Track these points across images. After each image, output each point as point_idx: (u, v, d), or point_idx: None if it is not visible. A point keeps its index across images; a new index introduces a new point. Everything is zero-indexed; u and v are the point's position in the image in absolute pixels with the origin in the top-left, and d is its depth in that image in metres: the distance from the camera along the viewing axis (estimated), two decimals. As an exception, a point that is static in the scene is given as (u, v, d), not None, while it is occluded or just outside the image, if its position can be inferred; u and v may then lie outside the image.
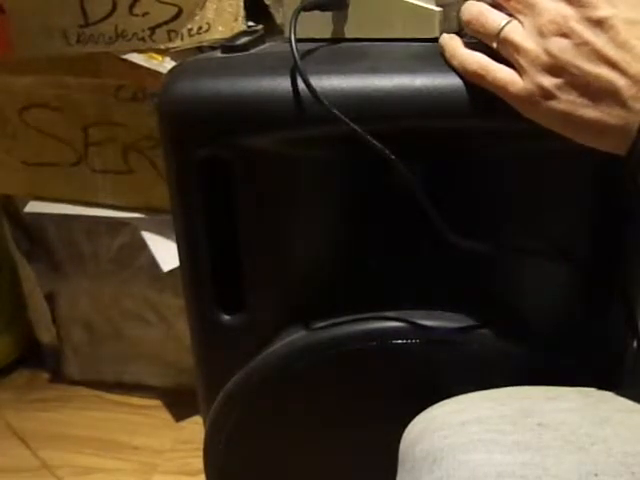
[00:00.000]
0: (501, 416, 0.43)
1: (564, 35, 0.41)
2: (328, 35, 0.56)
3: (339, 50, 0.54)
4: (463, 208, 0.51)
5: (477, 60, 0.46)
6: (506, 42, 0.44)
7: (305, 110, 0.48)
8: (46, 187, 1.04)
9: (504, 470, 0.39)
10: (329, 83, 0.48)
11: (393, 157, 0.46)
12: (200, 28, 0.87)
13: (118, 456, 1.05)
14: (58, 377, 1.21)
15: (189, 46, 0.88)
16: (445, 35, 0.50)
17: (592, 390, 0.47)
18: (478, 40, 0.47)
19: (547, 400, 0.45)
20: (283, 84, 0.49)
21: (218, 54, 0.56)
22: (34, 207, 1.05)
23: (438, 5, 0.52)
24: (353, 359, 0.54)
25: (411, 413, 0.46)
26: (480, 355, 0.53)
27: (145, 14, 0.88)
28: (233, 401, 0.57)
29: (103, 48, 0.90)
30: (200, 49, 0.88)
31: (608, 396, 0.46)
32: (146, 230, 1.00)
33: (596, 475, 0.38)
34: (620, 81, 0.40)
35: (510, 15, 0.44)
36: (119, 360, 1.17)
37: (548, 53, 0.42)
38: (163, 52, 0.90)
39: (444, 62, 0.48)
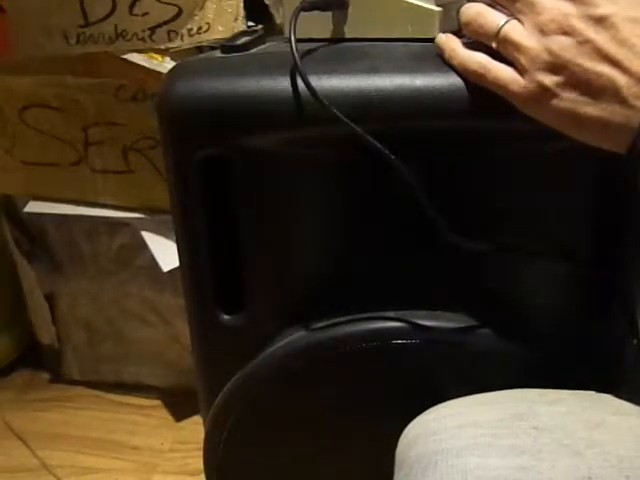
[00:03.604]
0: (497, 420, 0.43)
1: (565, 33, 0.41)
2: (328, 35, 0.56)
3: (339, 50, 0.54)
4: (463, 208, 0.51)
5: (477, 60, 0.46)
6: (506, 41, 0.44)
7: (305, 110, 0.48)
8: (46, 187, 1.04)
9: (499, 474, 0.39)
10: (329, 83, 0.48)
11: (393, 157, 0.46)
12: (200, 28, 0.87)
13: (118, 456, 1.05)
14: (58, 377, 1.21)
15: (189, 46, 0.88)
16: (441, 35, 0.49)
17: (589, 393, 0.47)
18: (476, 40, 0.47)
19: (543, 403, 0.45)
20: (283, 84, 0.49)
21: (218, 54, 0.56)
22: (34, 207, 1.05)
23: (438, 5, 0.52)
24: (353, 359, 0.54)
25: (411, 414, 0.46)
26: (480, 356, 0.53)
27: (145, 14, 0.88)
28: (233, 401, 0.57)
29: (103, 48, 0.90)
30: (200, 49, 0.88)
31: (605, 399, 0.46)
32: (146, 230, 1.00)
33: (590, 479, 0.38)
34: (621, 79, 0.40)
35: (509, 15, 0.44)
36: (119, 360, 1.17)
37: (549, 51, 0.42)
38: (163, 52, 0.90)
39: (444, 62, 0.48)
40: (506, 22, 0.44)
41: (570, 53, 0.41)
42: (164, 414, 1.13)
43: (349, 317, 0.54)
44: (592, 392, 0.47)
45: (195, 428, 1.07)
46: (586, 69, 0.41)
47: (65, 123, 0.99)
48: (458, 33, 0.50)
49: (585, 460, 0.39)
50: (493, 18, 0.45)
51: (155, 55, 0.90)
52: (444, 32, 0.50)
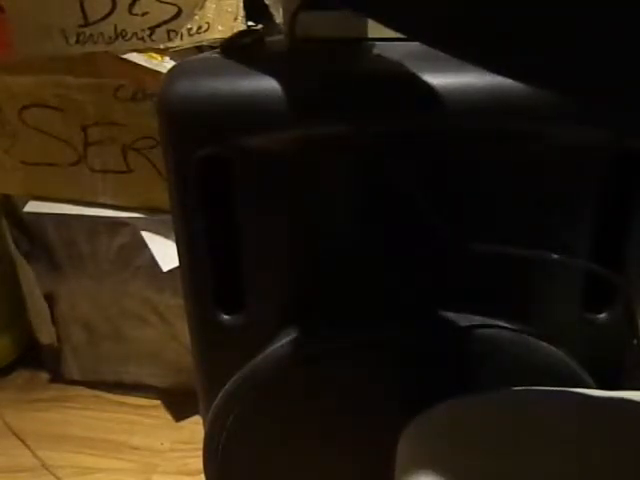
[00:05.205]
0: (498, 419, 0.43)
1: None
2: (328, 35, 0.56)
3: (338, 50, 0.54)
4: (463, 210, 0.51)
5: None
6: None
7: (304, 110, 0.48)
8: (45, 187, 1.04)
9: (498, 472, 0.39)
10: (329, 82, 0.48)
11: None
12: (200, 28, 0.87)
13: (118, 456, 1.05)
14: (57, 377, 1.21)
15: (188, 46, 0.88)
16: None
17: (589, 391, 0.47)
18: None
19: (544, 402, 0.45)
20: (282, 84, 0.49)
21: (217, 54, 0.56)
22: (33, 207, 1.05)
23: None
24: (353, 359, 0.54)
25: (411, 414, 0.46)
26: (480, 356, 0.53)
27: (145, 14, 0.88)
28: (233, 401, 0.57)
29: (102, 48, 0.90)
30: (200, 49, 0.88)
31: (605, 397, 0.46)
32: (146, 230, 1.00)
33: (581, 475, 0.38)
34: None
35: None
36: (118, 360, 1.17)
37: None
38: (163, 52, 0.90)
39: (444, 61, 0.48)
40: None
41: None
42: (164, 414, 1.13)
43: (349, 317, 0.54)
44: (593, 390, 0.47)
45: (195, 428, 1.07)
46: None
47: (65, 123, 0.99)
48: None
49: (581, 457, 0.39)
50: None
51: (155, 55, 0.90)
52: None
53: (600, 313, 0.55)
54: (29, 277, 1.15)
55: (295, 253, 0.55)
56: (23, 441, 1.08)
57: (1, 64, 0.96)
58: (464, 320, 0.53)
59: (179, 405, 1.13)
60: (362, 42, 0.54)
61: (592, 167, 0.50)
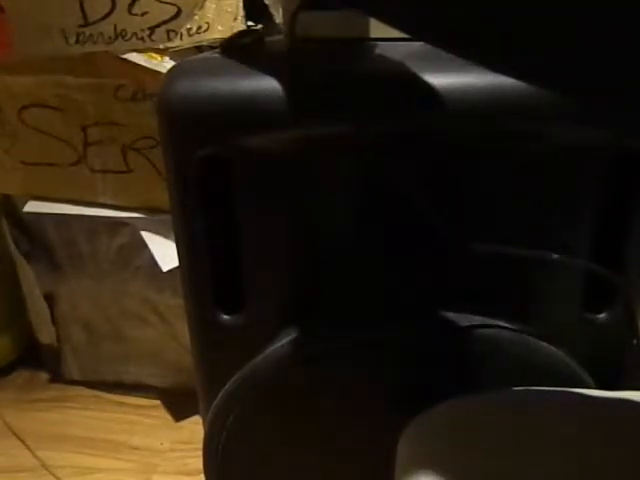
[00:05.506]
0: (498, 419, 0.43)
1: None
2: (328, 35, 0.56)
3: (338, 50, 0.54)
4: (464, 210, 0.51)
5: None
6: None
7: (304, 110, 0.48)
8: (45, 187, 1.04)
9: (498, 472, 0.39)
10: (329, 82, 0.48)
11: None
12: (199, 28, 0.87)
13: (117, 456, 1.05)
14: (57, 377, 1.21)
15: (188, 46, 0.88)
16: None
17: (589, 391, 0.47)
18: None
19: (544, 402, 0.45)
20: (282, 84, 0.49)
21: (217, 54, 0.56)
22: (33, 207, 1.05)
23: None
24: (353, 359, 0.54)
25: (411, 414, 0.46)
26: (480, 356, 0.53)
27: (144, 14, 0.88)
28: (233, 401, 0.57)
29: (102, 48, 0.90)
30: (200, 49, 0.88)
31: (605, 397, 0.46)
32: (146, 230, 1.00)
33: (581, 475, 0.38)
34: None
35: None
36: (118, 360, 1.17)
37: None
38: (162, 52, 0.90)
39: (444, 62, 0.48)
40: None
41: None
42: (164, 414, 1.13)
43: (349, 317, 0.54)
44: (593, 390, 0.47)
45: (195, 428, 1.07)
46: None
47: (64, 123, 0.99)
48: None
49: (579, 458, 0.39)
50: None
51: (154, 55, 0.90)
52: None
53: (600, 313, 0.55)
54: (29, 277, 1.15)
55: (295, 253, 0.55)
56: (23, 441, 1.08)
57: (1, 64, 0.96)
58: (464, 320, 0.53)
59: (179, 405, 1.13)
60: (362, 42, 0.54)
61: (592, 167, 0.50)
